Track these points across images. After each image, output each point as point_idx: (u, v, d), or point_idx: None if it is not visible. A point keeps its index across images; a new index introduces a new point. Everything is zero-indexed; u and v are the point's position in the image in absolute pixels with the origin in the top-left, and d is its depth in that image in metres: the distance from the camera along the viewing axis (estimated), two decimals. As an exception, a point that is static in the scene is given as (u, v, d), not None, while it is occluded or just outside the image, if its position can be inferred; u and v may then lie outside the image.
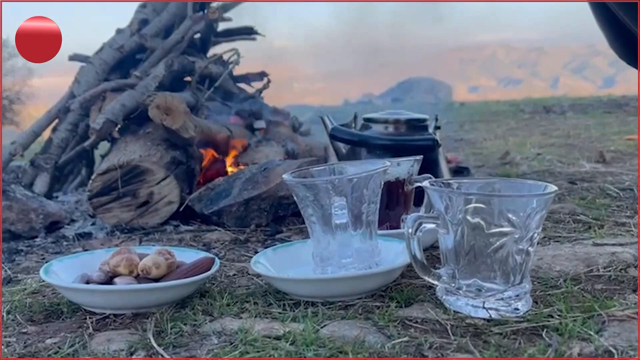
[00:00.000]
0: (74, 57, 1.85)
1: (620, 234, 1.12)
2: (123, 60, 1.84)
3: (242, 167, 1.68)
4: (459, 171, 2.15)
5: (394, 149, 1.60)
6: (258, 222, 1.38)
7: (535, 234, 0.74)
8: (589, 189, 1.74)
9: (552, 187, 0.74)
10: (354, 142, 1.63)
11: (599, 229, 1.18)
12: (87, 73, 1.73)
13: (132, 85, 1.65)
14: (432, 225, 0.75)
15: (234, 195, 1.39)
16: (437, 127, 1.71)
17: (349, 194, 0.85)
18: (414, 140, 1.60)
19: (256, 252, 1.18)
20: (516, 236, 0.72)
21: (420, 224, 0.74)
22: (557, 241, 1.10)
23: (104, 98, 1.63)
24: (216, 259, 0.89)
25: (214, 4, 1.87)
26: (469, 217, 0.73)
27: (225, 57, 1.96)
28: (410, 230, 0.74)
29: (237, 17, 2.10)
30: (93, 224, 1.49)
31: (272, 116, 2.13)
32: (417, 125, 1.66)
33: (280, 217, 1.41)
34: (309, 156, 2.07)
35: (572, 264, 0.90)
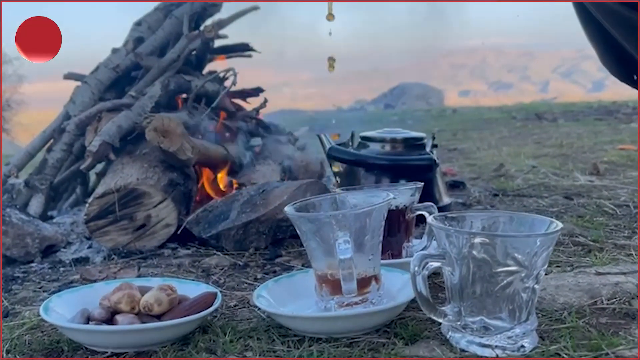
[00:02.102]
0: (68, 76, 1.84)
1: (621, 259, 1.12)
2: (118, 79, 1.83)
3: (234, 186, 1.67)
4: (455, 186, 2.16)
5: (392, 169, 1.60)
6: (257, 245, 1.37)
7: (542, 271, 0.74)
8: (585, 205, 1.74)
9: (558, 225, 0.73)
10: (352, 162, 1.63)
11: (598, 252, 1.19)
12: (83, 93, 1.71)
13: (128, 105, 1.64)
14: (438, 264, 0.75)
15: (233, 219, 1.38)
16: (434, 146, 1.71)
17: (352, 226, 0.84)
18: (411, 160, 1.60)
19: (256, 279, 1.18)
20: (522, 275, 0.72)
21: (427, 262, 0.74)
22: (559, 266, 1.10)
23: (100, 118, 1.62)
24: (218, 293, 0.88)
25: (210, 23, 1.87)
26: (474, 252, 0.73)
27: (221, 75, 1.95)
28: (416, 269, 0.74)
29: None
30: (89, 246, 1.47)
31: (267, 133, 2.12)
32: (414, 144, 1.66)
33: (279, 240, 1.41)
34: (304, 171, 2.07)
35: (575, 295, 0.90)
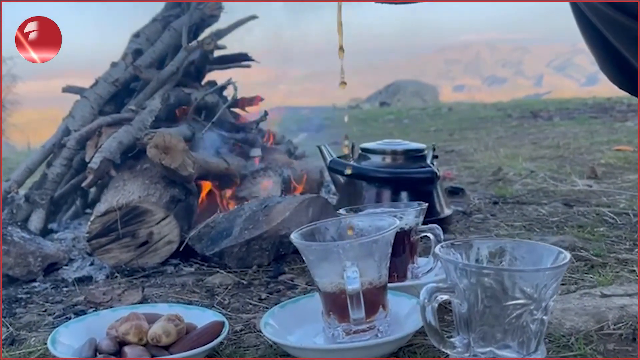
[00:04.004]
0: (67, 89, 1.83)
1: (625, 276, 1.13)
2: (117, 91, 1.82)
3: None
4: (455, 192, 2.16)
5: (393, 182, 1.60)
6: (260, 262, 1.37)
7: (551, 302, 0.74)
8: (585, 213, 1.75)
9: (566, 256, 0.74)
10: (353, 175, 1.63)
11: (601, 268, 1.19)
12: (83, 108, 1.71)
13: (128, 120, 1.64)
14: (447, 297, 0.75)
15: (235, 236, 1.38)
16: (435, 157, 1.71)
17: (359, 254, 0.84)
18: (413, 173, 1.60)
19: (260, 299, 1.18)
20: (532, 307, 0.72)
21: (437, 296, 0.74)
22: (563, 284, 1.11)
23: (100, 133, 1.62)
24: (225, 322, 0.88)
25: (208, 36, 1.86)
26: (483, 283, 0.73)
27: (221, 86, 1.95)
28: (426, 301, 0.74)
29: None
30: (91, 263, 1.47)
31: (267, 142, 2.12)
32: (415, 155, 1.66)
33: (281, 256, 1.41)
34: (304, 181, 2.07)
35: (582, 320, 0.90)
